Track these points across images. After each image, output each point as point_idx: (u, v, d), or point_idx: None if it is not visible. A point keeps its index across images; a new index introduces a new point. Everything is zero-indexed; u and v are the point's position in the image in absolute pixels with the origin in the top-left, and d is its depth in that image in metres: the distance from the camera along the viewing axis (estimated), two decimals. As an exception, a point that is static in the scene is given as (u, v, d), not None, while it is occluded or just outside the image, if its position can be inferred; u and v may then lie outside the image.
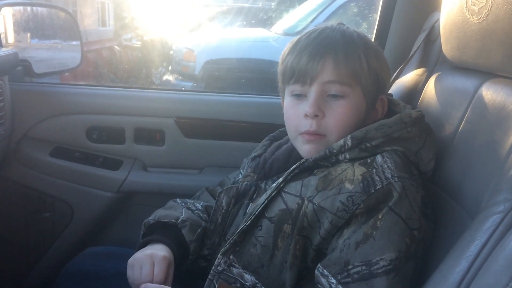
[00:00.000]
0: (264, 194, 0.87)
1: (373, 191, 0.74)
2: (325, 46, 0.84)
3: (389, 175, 0.75)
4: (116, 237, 1.55)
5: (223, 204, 0.96)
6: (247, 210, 0.93)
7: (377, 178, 0.75)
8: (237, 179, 1.05)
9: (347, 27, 0.89)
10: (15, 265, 1.52)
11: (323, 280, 0.74)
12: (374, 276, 0.70)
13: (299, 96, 0.87)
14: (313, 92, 0.84)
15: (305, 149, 0.87)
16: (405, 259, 0.71)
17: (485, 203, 0.69)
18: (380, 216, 0.72)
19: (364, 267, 0.71)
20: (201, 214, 1.02)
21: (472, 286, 0.59)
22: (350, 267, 0.72)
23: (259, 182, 0.96)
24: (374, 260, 0.70)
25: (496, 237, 0.61)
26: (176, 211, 1.02)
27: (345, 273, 0.72)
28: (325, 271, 0.74)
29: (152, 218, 1.01)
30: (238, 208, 0.95)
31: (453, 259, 0.64)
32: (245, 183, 0.97)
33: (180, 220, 0.98)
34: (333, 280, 0.72)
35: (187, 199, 1.09)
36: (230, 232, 0.95)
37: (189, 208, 1.03)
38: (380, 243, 0.71)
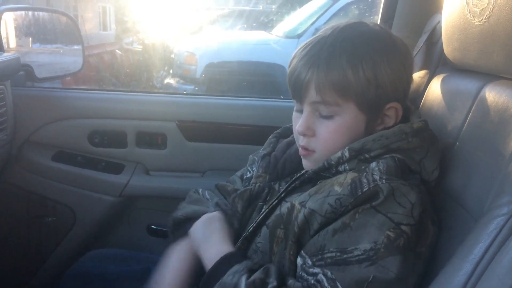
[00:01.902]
0: (268, 204, 0.88)
1: (360, 193, 0.73)
2: (309, 66, 0.81)
3: (377, 177, 0.74)
4: (119, 241, 1.55)
5: (239, 209, 0.95)
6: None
7: (364, 180, 0.74)
8: (245, 177, 1.04)
9: (345, 36, 0.81)
10: (17, 269, 1.52)
11: (299, 259, 0.75)
12: (347, 263, 0.70)
13: (299, 111, 0.87)
14: (305, 111, 0.84)
15: (303, 162, 0.88)
16: (384, 252, 0.70)
17: (489, 206, 0.69)
18: (360, 210, 0.73)
19: (338, 254, 0.71)
20: (227, 211, 1.00)
21: (476, 289, 0.59)
22: (325, 251, 0.72)
23: (272, 183, 0.95)
24: (349, 249, 0.71)
25: (500, 240, 0.61)
26: (203, 206, 1.01)
27: (320, 256, 0.73)
28: (302, 252, 0.76)
29: (181, 214, 1.00)
30: (252, 210, 0.94)
31: (457, 262, 0.64)
32: (258, 184, 0.96)
33: None
34: (309, 262, 0.74)
35: (207, 191, 1.07)
36: None
37: (217, 203, 1.01)
38: (357, 233, 0.71)
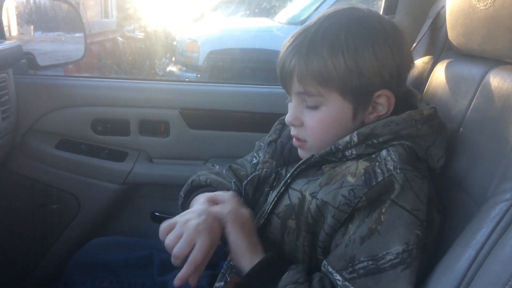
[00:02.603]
0: (275, 191, 0.87)
1: (374, 183, 0.72)
2: (292, 56, 0.80)
3: (391, 167, 0.73)
4: (122, 228, 1.56)
5: (250, 196, 0.94)
6: (268, 198, 0.92)
7: (378, 170, 0.73)
8: (253, 162, 1.04)
9: (329, 24, 0.79)
10: (23, 257, 1.53)
11: (329, 277, 0.73)
12: (380, 270, 0.68)
13: (291, 101, 0.87)
14: (293, 101, 0.84)
15: (299, 152, 0.88)
16: (416, 252, 0.69)
17: (492, 191, 0.69)
18: (383, 210, 0.71)
19: (370, 262, 0.69)
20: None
21: (478, 274, 0.59)
22: (356, 262, 0.70)
23: (279, 169, 0.94)
24: (380, 255, 0.69)
25: (503, 225, 0.61)
26: (225, 181, 1.00)
27: (350, 269, 0.70)
28: (329, 268, 0.73)
29: (203, 178, 0.98)
30: (259, 195, 0.94)
31: (460, 248, 0.64)
32: (265, 169, 0.95)
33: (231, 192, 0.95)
34: (339, 277, 0.71)
35: (224, 169, 1.06)
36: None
37: (235, 184, 1.00)
38: (386, 237, 0.70)
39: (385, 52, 0.78)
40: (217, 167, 1.08)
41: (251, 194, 0.94)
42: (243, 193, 0.95)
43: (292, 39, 0.82)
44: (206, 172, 1.03)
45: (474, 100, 0.84)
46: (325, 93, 0.79)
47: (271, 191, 0.93)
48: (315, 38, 0.78)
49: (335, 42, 0.77)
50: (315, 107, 0.81)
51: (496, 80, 0.79)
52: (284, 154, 0.95)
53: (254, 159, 1.03)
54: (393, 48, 0.79)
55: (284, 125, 1.03)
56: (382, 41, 0.79)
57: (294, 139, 0.87)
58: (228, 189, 0.96)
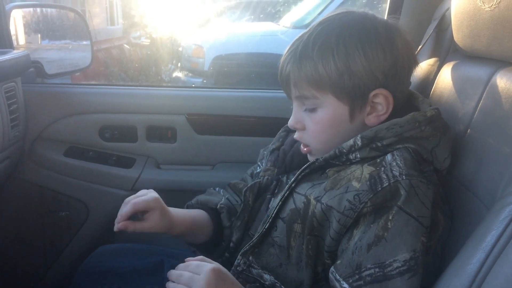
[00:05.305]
0: (279, 195, 0.88)
1: (379, 189, 0.72)
2: (287, 62, 0.83)
3: (397, 173, 0.73)
4: (131, 234, 1.56)
5: (250, 202, 0.96)
6: (269, 206, 0.93)
7: (384, 176, 0.73)
8: (255, 172, 1.05)
9: (322, 29, 0.81)
10: (33, 264, 1.54)
11: (336, 284, 0.73)
12: (388, 278, 0.68)
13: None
14: (293, 105, 0.87)
15: (309, 158, 0.89)
16: (421, 259, 0.69)
17: (501, 193, 0.69)
18: (390, 217, 0.71)
19: (377, 269, 0.69)
20: (236, 206, 1.04)
21: (489, 276, 0.58)
22: (363, 269, 0.70)
23: (280, 176, 0.96)
24: (387, 262, 0.69)
25: (513, 227, 0.60)
26: (216, 198, 1.06)
27: (357, 276, 0.70)
28: (337, 275, 0.73)
29: (194, 201, 1.07)
30: (261, 203, 0.95)
31: (470, 250, 0.64)
32: (266, 177, 0.97)
33: (218, 206, 1.03)
34: (346, 285, 0.71)
35: (222, 189, 1.12)
36: (253, 227, 0.95)
37: (227, 199, 1.06)
38: (393, 244, 0.69)
39: (376, 53, 0.79)
40: (217, 189, 1.11)
41: (252, 201, 0.95)
42: (243, 200, 0.97)
43: (290, 45, 0.85)
44: (200, 195, 1.10)
45: (481, 101, 0.84)
46: (319, 95, 0.81)
47: (272, 198, 0.93)
48: (307, 44, 0.81)
49: (325, 45, 0.79)
50: (313, 110, 0.83)
51: (503, 81, 0.79)
52: (286, 161, 0.96)
53: (258, 167, 1.04)
54: (385, 48, 0.79)
55: (288, 133, 1.04)
56: (373, 41, 0.79)
57: (302, 145, 0.89)
58: (215, 204, 1.03)
